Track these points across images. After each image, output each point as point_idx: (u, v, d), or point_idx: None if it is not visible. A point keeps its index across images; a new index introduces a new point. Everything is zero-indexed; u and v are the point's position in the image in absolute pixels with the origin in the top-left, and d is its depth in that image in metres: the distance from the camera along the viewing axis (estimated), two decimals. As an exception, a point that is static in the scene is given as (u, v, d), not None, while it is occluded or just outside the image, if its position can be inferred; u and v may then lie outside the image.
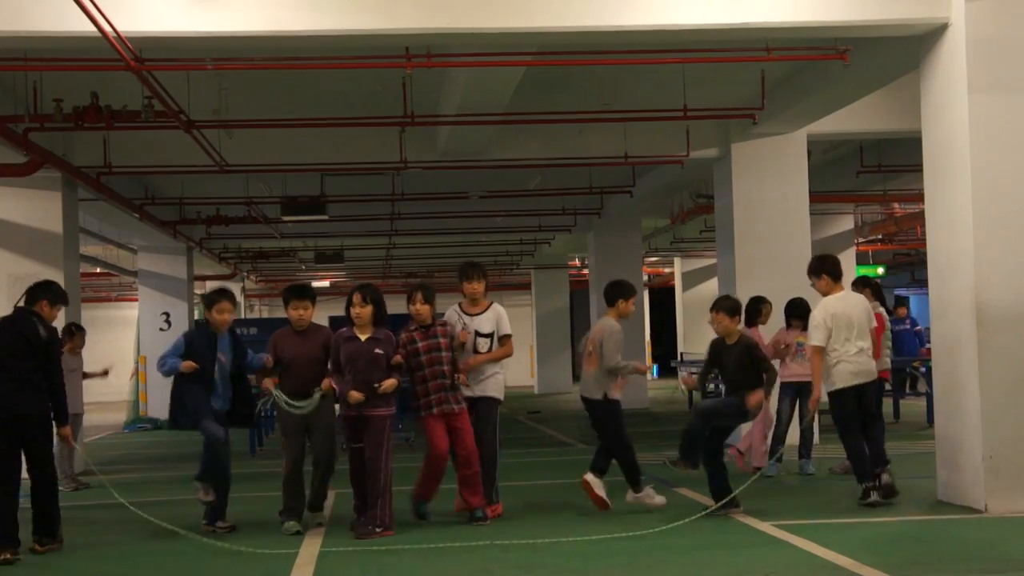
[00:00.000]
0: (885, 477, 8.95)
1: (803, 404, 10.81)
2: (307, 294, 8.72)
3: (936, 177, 9.04)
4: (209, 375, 8.37)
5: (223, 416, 8.48)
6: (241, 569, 7.24)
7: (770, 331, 11.03)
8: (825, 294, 9.10)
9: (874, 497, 8.71)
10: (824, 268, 9.14)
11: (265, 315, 36.69)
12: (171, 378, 8.40)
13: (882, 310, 10.87)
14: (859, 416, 8.94)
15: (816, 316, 8.98)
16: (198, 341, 8.46)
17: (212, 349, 8.43)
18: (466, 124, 12.53)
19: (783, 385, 10.85)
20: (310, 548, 7.73)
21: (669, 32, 8.92)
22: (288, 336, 8.68)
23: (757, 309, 11.08)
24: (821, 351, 8.83)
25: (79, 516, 9.42)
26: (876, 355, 10.40)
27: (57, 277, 12.86)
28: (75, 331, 11.75)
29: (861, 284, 11.20)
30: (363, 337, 8.26)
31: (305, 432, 8.55)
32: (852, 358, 8.83)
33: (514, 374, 36.01)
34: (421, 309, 8.46)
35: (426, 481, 8.61)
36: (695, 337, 28.20)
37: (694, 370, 19.31)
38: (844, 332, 8.83)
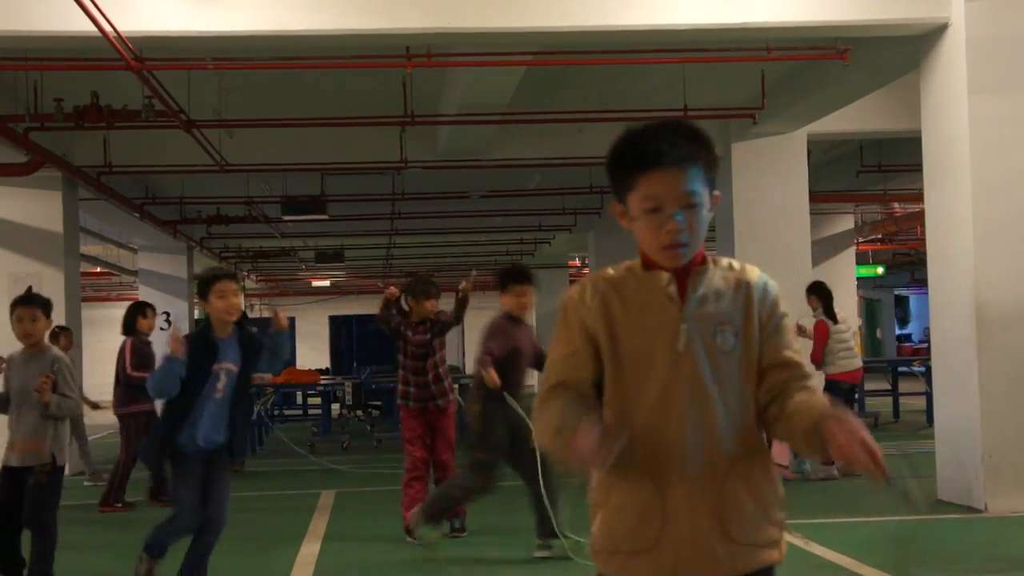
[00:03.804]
0: None
1: None
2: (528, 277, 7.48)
3: (936, 177, 9.04)
4: (195, 396, 5.88)
5: (221, 452, 6.03)
6: (242, 568, 7.25)
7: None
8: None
9: None
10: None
11: (266, 315, 36.61)
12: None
13: (824, 318, 10.96)
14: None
15: None
16: (193, 349, 5.91)
17: (209, 360, 5.91)
18: (466, 124, 12.53)
19: None
20: (309, 548, 7.74)
21: (669, 32, 8.93)
22: (509, 325, 7.36)
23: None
24: None
25: (76, 517, 9.44)
26: (815, 359, 10.68)
27: (57, 277, 12.95)
28: (59, 332, 11.36)
29: (809, 291, 11.30)
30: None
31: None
32: None
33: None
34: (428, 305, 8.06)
35: (410, 505, 7.74)
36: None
37: None
38: None
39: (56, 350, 6.62)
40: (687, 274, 2.48)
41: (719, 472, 2.44)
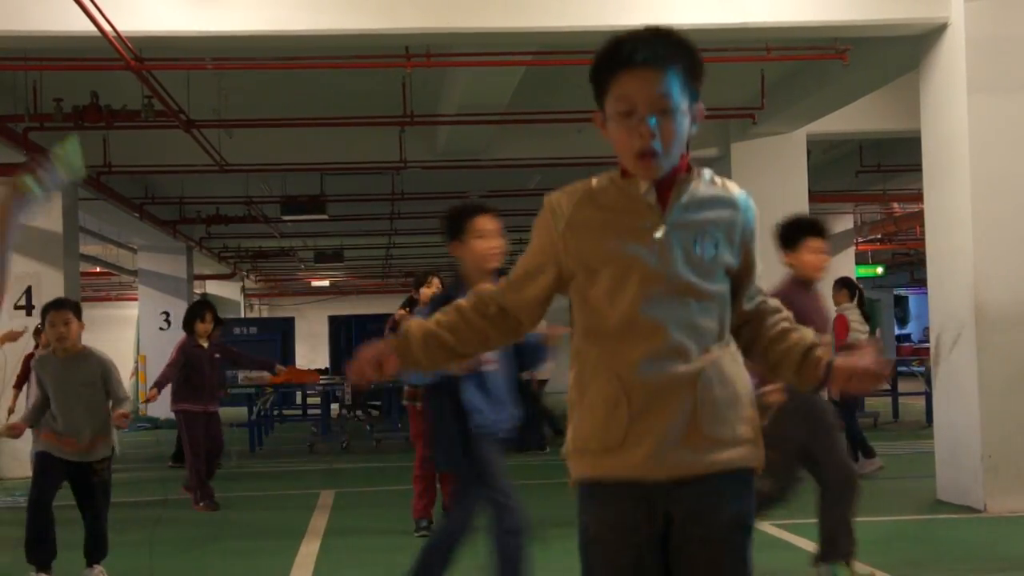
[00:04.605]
0: None
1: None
2: None
3: (935, 177, 9.04)
4: (457, 375, 4.58)
5: (506, 443, 4.86)
6: (241, 567, 7.25)
7: None
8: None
9: None
10: None
11: (265, 314, 36.60)
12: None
13: (846, 314, 10.91)
14: None
15: None
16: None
17: None
18: (466, 124, 12.54)
19: None
20: (309, 547, 7.74)
21: (668, 32, 8.93)
22: (799, 293, 5.84)
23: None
24: None
25: (73, 516, 9.42)
26: None
27: (57, 277, 12.94)
28: (40, 331, 11.19)
29: (840, 284, 11.26)
30: None
31: None
32: None
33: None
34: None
35: (417, 500, 7.99)
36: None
37: None
38: None
39: (100, 353, 6.81)
40: (671, 183, 2.45)
41: (691, 370, 2.39)
